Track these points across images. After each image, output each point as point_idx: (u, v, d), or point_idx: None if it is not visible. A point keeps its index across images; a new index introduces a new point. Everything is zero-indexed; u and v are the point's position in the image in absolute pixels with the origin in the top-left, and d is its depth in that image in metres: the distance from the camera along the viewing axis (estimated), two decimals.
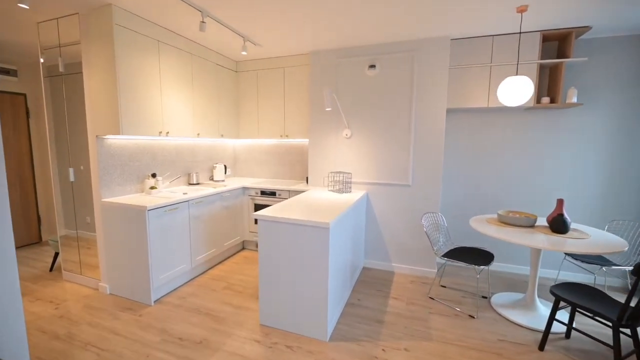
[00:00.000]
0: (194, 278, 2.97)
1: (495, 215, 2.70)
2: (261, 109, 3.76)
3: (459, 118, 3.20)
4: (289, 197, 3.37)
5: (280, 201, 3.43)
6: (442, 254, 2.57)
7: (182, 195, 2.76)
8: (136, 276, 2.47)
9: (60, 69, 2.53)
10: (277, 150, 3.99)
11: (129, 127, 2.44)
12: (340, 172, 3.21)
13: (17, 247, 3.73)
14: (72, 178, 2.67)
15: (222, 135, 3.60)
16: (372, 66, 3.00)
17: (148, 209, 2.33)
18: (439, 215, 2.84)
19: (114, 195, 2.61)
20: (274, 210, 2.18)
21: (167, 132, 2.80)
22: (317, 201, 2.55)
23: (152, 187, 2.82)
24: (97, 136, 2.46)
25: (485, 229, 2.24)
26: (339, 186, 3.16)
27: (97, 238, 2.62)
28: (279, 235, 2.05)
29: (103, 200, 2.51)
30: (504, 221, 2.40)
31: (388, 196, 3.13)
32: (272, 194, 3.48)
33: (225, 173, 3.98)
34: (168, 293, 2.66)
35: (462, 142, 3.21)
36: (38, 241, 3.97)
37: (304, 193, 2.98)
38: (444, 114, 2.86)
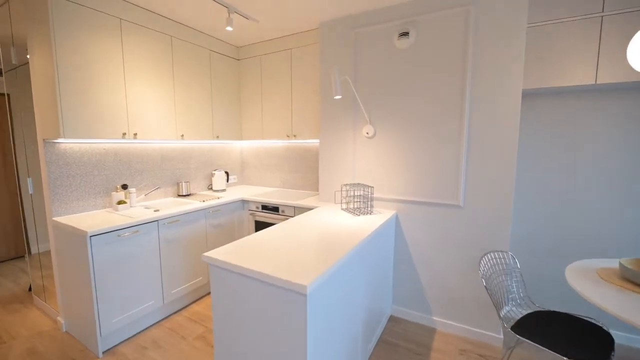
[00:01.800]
0: (168, 316, 2.44)
1: (614, 264, 1.63)
2: (265, 103, 3.12)
3: (539, 105, 2.16)
4: (295, 215, 2.67)
5: (284, 219, 2.74)
6: (514, 323, 1.62)
7: (151, 213, 2.23)
8: (84, 317, 1.99)
9: (13, 61, 2.18)
10: (289, 154, 3.31)
11: (75, 129, 1.97)
12: (357, 185, 2.40)
13: (11, 259, 3.63)
14: (30, 190, 2.31)
15: (217, 137, 3.05)
16: (404, 34, 2.13)
17: (89, 234, 1.82)
18: (509, 255, 1.86)
19: (71, 212, 2.19)
20: (235, 249, 1.48)
21: (135, 134, 2.31)
22: (320, 229, 1.80)
23: (120, 202, 2.36)
24: (44, 140, 2.04)
25: (602, 300, 1.25)
26: (356, 204, 2.35)
27: (53, 263, 2.21)
28: (237, 291, 1.35)
29: (54, 218, 2.08)
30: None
31: (427, 221, 2.23)
32: (275, 209, 2.81)
33: (228, 181, 3.43)
34: (130, 338, 2.15)
35: (543, 143, 2.16)
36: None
37: (309, 212, 2.25)
38: (518, 99, 1.88)
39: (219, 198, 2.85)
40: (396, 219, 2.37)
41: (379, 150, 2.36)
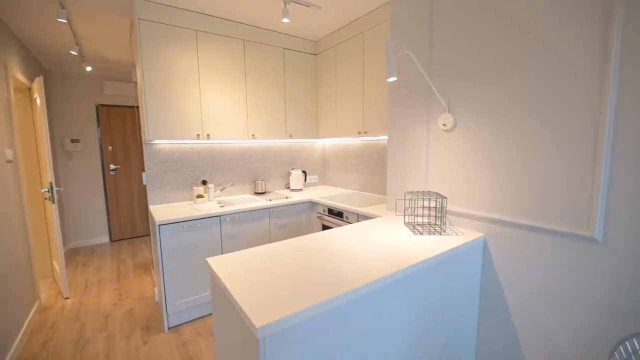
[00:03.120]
0: None
1: None
2: (339, 97, 2.89)
3: None
4: (357, 221, 2.32)
5: (347, 224, 2.45)
6: None
7: (216, 208, 2.41)
8: (160, 294, 2.33)
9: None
10: (366, 153, 2.98)
11: (157, 132, 2.31)
12: (426, 194, 1.85)
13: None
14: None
15: (290, 136, 3.04)
16: None
17: (158, 223, 2.10)
18: None
19: (163, 202, 2.62)
20: (239, 257, 1.35)
21: (208, 135, 2.54)
22: (358, 246, 1.46)
23: (199, 196, 2.66)
24: (144, 142, 2.50)
25: None
26: (425, 217, 1.82)
27: (152, 243, 2.71)
28: (223, 307, 1.20)
29: (150, 206, 2.54)
30: None
31: (535, 254, 1.47)
32: (339, 214, 2.56)
33: (306, 181, 3.40)
34: (191, 321, 2.39)
35: None
36: None
37: (363, 223, 1.90)
38: None
39: (286, 198, 2.83)
40: (483, 246, 1.68)
41: (460, 147, 1.73)
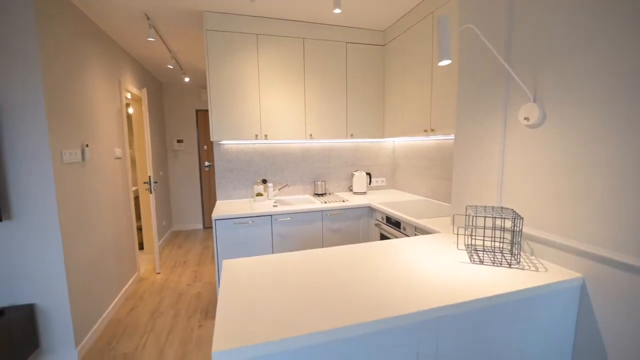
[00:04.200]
0: None
1: None
2: (407, 91, 2.58)
3: None
4: (415, 234, 2.02)
5: (404, 236, 2.17)
6: None
7: (270, 207, 2.48)
8: (216, 284, 2.54)
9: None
10: (439, 154, 2.59)
11: (220, 132, 2.50)
12: (496, 210, 1.44)
13: None
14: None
15: (351, 136, 2.88)
16: None
17: (214, 218, 2.28)
18: None
19: (229, 198, 2.85)
20: (249, 264, 1.31)
21: (265, 135, 2.62)
22: (393, 277, 1.25)
23: (258, 194, 2.79)
24: (212, 142, 2.76)
25: None
26: (494, 241, 1.43)
27: None
28: None
29: (218, 201, 2.80)
30: None
31: None
32: (397, 224, 2.29)
33: (370, 183, 3.19)
34: None
35: None
36: None
37: (417, 239, 1.63)
38: None
39: (343, 201, 2.69)
40: (581, 292, 1.18)
41: (549, 149, 1.26)
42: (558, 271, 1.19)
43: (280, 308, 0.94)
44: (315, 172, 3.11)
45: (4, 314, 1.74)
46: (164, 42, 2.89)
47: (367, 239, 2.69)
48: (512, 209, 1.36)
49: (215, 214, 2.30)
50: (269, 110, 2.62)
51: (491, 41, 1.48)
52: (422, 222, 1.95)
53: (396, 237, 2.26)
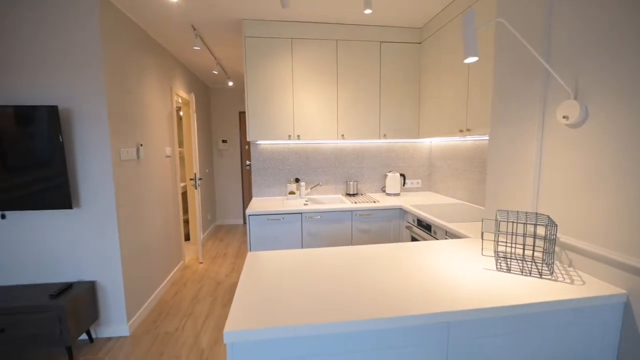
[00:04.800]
0: None
1: None
2: (442, 88, 2.49)
3: None
4: (445, 238, 1.96)
5: (433, 239, 2.12)
6: None
7: (300, 205, 2.57)
8: None
9: None
10: (477, 155, 2.47)
11: (255, 133, 2.66)
12: (529, 216, 1.35)
13: None
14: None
15: (384, 136, 2.86)
16: None
17: (248, 214, 2.44)
18: None
19: (264, 195, 3.01)
20: (275, 257, 1.40)
21: (298, 136, 2.72)
22: (409, 279, 1.26)
23: (291, 192, 2.91)
24: (249, 142, 2.94)
25: None
26: (525, 248, 1.35)
27: None
28: None
29: (254, 198, 2.98)
30: None
31: None
32: (428, 228, 2.24)
33: (404, 185, 3.14)
34: None
35: None
36: None
37: (444, 243, 1.60)
38: None
39: (374, 202, 2.68)
40: (624, 310, 1.07)
41: (592, 151, 1.15)
42: (597, 285, 1.08)
43: (292, 298, 1.00)
44: (348, 172, 3.13)
45: (72, 287, 2.05)
46: (209, 49, 3.14)
47: (397, 241, 2.64)
48: (547, 216, 1.26)
49: (250, 210, 2.45)
50: (302, 111, 2.71)
51: (529, 35, 1.38)
52: (453, 226, 1.88)
53: (427, 240, 2.20)
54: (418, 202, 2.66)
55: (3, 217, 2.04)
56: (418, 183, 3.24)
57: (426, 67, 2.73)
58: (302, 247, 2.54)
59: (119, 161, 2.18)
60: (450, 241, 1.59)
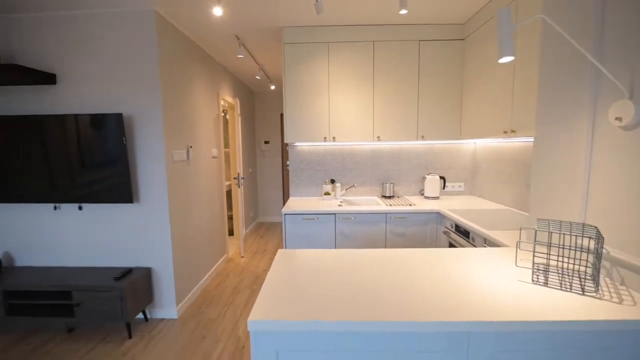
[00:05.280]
0: None
1: None
2: (485, 88, 2.37)
3: None
4: (484, 246, 1.88)
5: (472, 247, 2.04)
6: None
7: (334, 206, 2.64)
8: None
9: None
10: (527, 159, 2.31)
11: (293, 135, 2.78)
12: (575, 226, 1.26)
13: None
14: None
15: (422, 137, 2.79)
16: None
17: (283, 213, 2.57)
18: None
19: (300, 195, 3.13)
20: (310, 256, 1.47)
21: (334, 138, 2.78)
22: (435, 287, 1.27)
23: (326, 193, 2.99)
24: (287, 144, 3.08)
25: None
26: (566, 261, 1.27)
27: None
28: None
29: (290, 197, 3.11)
30: None
31: None
32: (466, 234, 2.16)
33: (444, 188, 3.05)
34: None
35: None
36: None
37: (481, 251, 1.56)
38: None
39: (410, 205, 2.64)
40: None
41: None
42: None
43: (315, 295, 1.06)
44: (384, 174, 3.11)
45: (132, 272, 2.35)
46: (252, 56, 3.33)
47: (433, 246, 2.57)
48: (595, 227, 1.16)
49: (286, 209, 2.56)
50: (337, 113, 2.76)
51: (578, 29, 1.27)
52: (492, 234, 1.79)
53: (464, 247, 2.11)
54: (458, 206, 2.55)
55: (80, 208, 2.41)
56: (460, 186, 3.10)
57: (469, 64, 2.60)
58: (335, 248, 2.60)
59: (171, 162, 2.44)
60: (486, 249, 1.52)
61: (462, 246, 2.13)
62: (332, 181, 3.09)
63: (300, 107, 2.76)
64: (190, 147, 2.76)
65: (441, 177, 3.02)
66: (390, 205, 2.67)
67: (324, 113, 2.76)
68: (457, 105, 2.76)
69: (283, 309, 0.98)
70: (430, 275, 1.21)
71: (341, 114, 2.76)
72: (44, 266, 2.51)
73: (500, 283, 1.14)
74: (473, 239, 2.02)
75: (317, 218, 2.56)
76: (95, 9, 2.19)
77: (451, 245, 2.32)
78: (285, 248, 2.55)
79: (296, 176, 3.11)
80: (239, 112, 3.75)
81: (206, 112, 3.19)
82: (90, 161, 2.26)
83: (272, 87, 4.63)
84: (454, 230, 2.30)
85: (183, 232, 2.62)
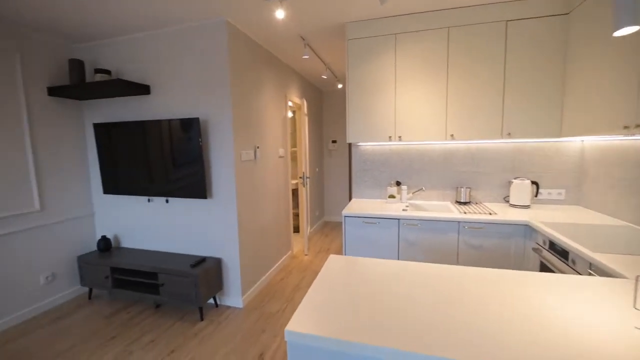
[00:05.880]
0: None
1: None
2: (601, 71, 1.90)
3: None
4: (589, 273, 1.50)
5: (573, 273, 1.66)
6: None
7: (398, 211, 2.48)
8: None
9: None
10: None
11: (355, 134, 2.69)
12: None
13: None
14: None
15: (508, 135, 2.40)
16: None
17: (344, 215, 2.52)
18: None
19: (362, 196, 3.04)
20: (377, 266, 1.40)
21: (399, 137, 2.59)
22: (513, 325, 1.08)
23: (390, 196, 2.83)
24: (349, 143, 3.01)
25: None
26: None
27: None
28: None
29: (353, 199, 3.05)
30: None
31: None
32: (564, 255, 1.79)
33: (536, 195, 2.59)
34: None
35: None
36: None
37: (590, 282, 1.27)
38: None
39: (490, 214, 2.30)
40: None
41: None
42: None
43: (360, 312, 0.97)
44: (459, 177, 2.77)
45: (205, 261, 2.59)
46: (317, 56, 3.34)
47: (519, 265, 2.17)
48: None
49: (346, 210, 2.49)
50: (404, 110, 2.55)
51: None
52: (601, 258, 1.40)
53: (561, 271, 1.72)
54: (556, 218, 2.10)
55: (167, 201, 2.76)
56: (560, 194, 2.56)
57: (578, 43, 2.10)
58: (397, 255, 2.42)
59: (239, 162, 2.60)
60: (591, 279, 1.19)
61: (558, 269, 1.73)
62: (398, 183, 2.89)
63: (364, 105, 2.64)
64: (258, 147, 2.91)
65: (533, 183, 2.54)
66: (465, 212, 2.35)
67: (388, 111, 2.59)
68: (557, 95, 2.26)
69: (323, 322, 0.91)
70: (513, 306, 0.99)
71: (408, 111, 2.55)
72: (139, 249, 2.96)
73: (609, 330, 0.86)
74: (574, 262, 1.62)
75: (378, 222, 2.41)
76: (177, 25, 2.47)
77: (543, 266, 1.92)
78: (345, 251, 2.48)
79: (359, 177, 3.00)
80: (306, 112, 3.81)
81: (274, 113, 3.33)
82: (177, 160, 2.57)
83: (340, 86, 4.59)
84: (547, 247, 1.90)
85: (249, 227, 2.78)
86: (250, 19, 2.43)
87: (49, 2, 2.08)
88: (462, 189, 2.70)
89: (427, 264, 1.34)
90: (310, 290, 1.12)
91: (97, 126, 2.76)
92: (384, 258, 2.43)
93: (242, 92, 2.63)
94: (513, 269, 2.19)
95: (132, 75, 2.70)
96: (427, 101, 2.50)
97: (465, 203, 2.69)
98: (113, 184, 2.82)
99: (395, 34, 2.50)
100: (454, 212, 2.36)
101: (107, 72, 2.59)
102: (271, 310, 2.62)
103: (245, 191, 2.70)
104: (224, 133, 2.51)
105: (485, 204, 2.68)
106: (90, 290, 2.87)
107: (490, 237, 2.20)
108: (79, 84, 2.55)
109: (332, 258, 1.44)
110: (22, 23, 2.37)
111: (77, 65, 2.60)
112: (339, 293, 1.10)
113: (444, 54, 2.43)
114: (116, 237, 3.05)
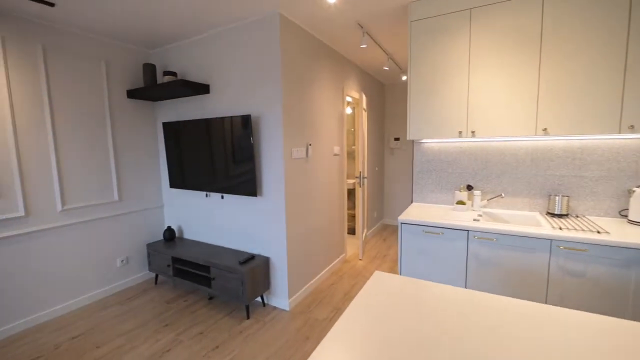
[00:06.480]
0: None
1: None
2: None
3: None
4: None
5: None
6: None
7: (468, 220, 2.10)
8: None
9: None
10: None
11: (417, 130, 2.37)
12: None
13: None
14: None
15: (630, 128, 1.82)
16: None
17: (400, 221, 2.24)
18: None
19: (425, 200, 2.69)
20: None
21: (472, 132, 2.19)
22: None
23: (459, 202, 2.45)
24: (412, 141, 2.68)
25: None
26: None
27: None
28: None
29: (413, 203, 2.73)
30: None
31: None
32: None
33: None
34: None
35: None
36: None
37: None
38: None
39: (598, 232, 1.78)
40: None
41: None
42: None
43: (394, 345, 0.73)
44: (552, 183, 2.22)
45: (254, 258, 2.57)
46: (377, 44, 3.06)
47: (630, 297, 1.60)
48: None
49: (403, 216, 2.20)
50: (479, 100, 2.13)
51: None
52: None
53: None
54: None
55: (222, 197, 2.83)
56: None
57: None
58: (465, 275, 2.04)
59: (290, 159, 2.51)
60: None
61: None
62: (469, 187, 2.45)
63: (428, 97, 2.28)
64: (310, 144, 2.78)
65: None
66: (561, 228, 1.85)
67: (460, 101, 2.19)
68: None
69: (355, 349, 0.70)
70: None
71: (484, 100, 2.12)
72: (197, 240, 3.11)
73: None
74: None
75: (442, 233, 2.06)
76: (233, 23, 2.48)
77: None
78: (400, 263, 2.19)
79: (421, 179, 2.65)
80: (365, 107, 3.56)
81: (329, 108, 3.16)
82: (230, 158, 2.60)
83: (404, 78, 4.20)
84: None
85: (299, 228, 2.67)
86: (302, 9, 2.30)
87: (129, 14, 2.27)
88: (557, 198, 2.16)
89: (508, 298, 1.01)
90: (341, 319, 0.91)
91: (165, 125, 2.97)
92: (446, 278, 2.08)
93: (293, 87, 2.53)
94: (632, 312, 1.63)
95: (195, 75, 2.83)
96: (510, 88, 2.04)
97: (560, 215, 2.15)
98: (177, 179, 3.00)
99: (470, 8, 2.09)
100: (544, 227, 1.87)
101: (174, 73, 2.75)
102: (317, 317, 2.48)
103: (295, 190, 2.59)
104: (274, 130, 2.44)
105: (589, 217, 2.10)
106: (157, 276, 3.11)
107: (598, 264, 1.68)
108: (152, 85, 2.75)
109: (377, 276, 1.21)
110: (106, 33, 2.64)
111: (150, 69, 2.81)
112: (375, 326, 0.87)
113: (535, 29, 1.94)
114: (180, 228, 3.27)
